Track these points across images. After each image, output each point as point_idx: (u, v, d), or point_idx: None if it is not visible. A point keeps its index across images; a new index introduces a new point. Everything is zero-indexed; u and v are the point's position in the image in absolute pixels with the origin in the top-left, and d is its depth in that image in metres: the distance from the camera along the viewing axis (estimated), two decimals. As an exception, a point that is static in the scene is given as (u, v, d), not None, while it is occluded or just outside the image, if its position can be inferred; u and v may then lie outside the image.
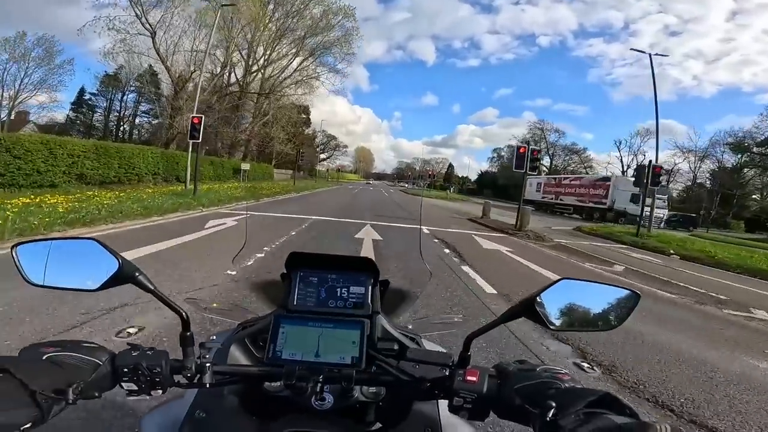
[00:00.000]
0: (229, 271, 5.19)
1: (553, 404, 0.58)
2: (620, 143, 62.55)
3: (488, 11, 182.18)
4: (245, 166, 31.73)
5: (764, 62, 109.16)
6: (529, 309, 0.71)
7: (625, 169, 61.11)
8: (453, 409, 0.71)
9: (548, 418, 0.57)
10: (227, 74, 32.62)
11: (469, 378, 0.70)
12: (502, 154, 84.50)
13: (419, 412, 0.81)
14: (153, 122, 42.62)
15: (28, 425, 0.53)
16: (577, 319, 0.74)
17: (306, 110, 65.11)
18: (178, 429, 0.77)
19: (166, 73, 28.23)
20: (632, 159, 61.28)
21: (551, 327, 0.71)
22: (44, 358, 0.62)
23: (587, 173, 66.47)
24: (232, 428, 0.79)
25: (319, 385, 0.73)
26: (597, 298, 0.75)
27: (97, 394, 0.64)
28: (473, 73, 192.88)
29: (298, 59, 38.03)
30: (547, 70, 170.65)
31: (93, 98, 51.80)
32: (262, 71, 36.69)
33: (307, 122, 70.47)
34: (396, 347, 0.84)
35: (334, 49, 38.97)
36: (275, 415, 0.80)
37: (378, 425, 0.88)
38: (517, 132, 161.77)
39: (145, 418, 0.84)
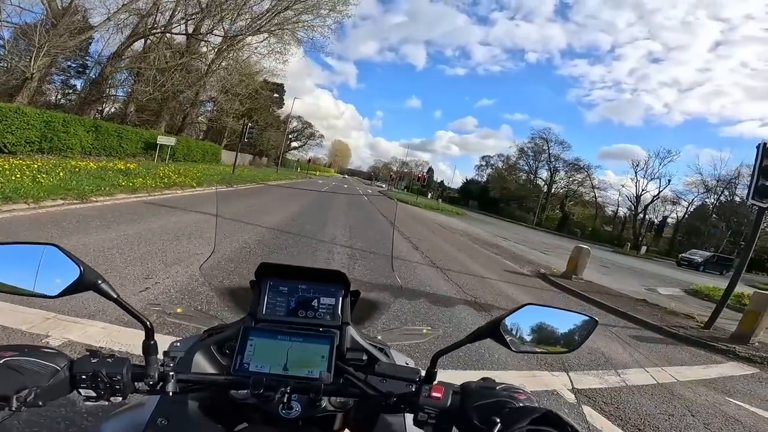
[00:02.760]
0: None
1: (498, 420, 0.60)
2: (637, 164, 54.81)
3: (484, 23, 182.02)
4: (166, 140, 21.18)
5: (735, 94, 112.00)
6: (494, 331, 0.73)
7: (641, 193, 53.69)
8: (418, 424, 0.72)
9: None
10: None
11: (434, 394, 0.71)
12: (492, 162, 76.52)
13: (386, 423, 0.80)
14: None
15: None
16: (538, 342, 0.76)
17: (279, 89, 54.92)
18: None
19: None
20: (647, 183, 53.65)
21: (513, 349, 0.74)
22: (1, 362, 0.60)
23: (597, 195, 59.34)
24: None
25: (287, 395, 0.72)
26: (558, 323, 0.77)
27: (41, 403, 0.61)
28: (459, 81, 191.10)
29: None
30: (529, 85, 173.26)
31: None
32: (222, 22, 25.50)
33: (280, 102, 59.76)
34: (365, 358, 0.87)
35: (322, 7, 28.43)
36: (241, 422, 0.78)
37: (339, 429, 0.87)
38: (492, 144, 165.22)
39: (104, 425, 0.80)
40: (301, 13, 27.98)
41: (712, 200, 48.98)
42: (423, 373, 0.77)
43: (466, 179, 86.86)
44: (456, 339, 0.73)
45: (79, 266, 0.67)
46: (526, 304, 0.75)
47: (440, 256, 9.70)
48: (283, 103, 59.36)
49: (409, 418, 0.77)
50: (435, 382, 0.75)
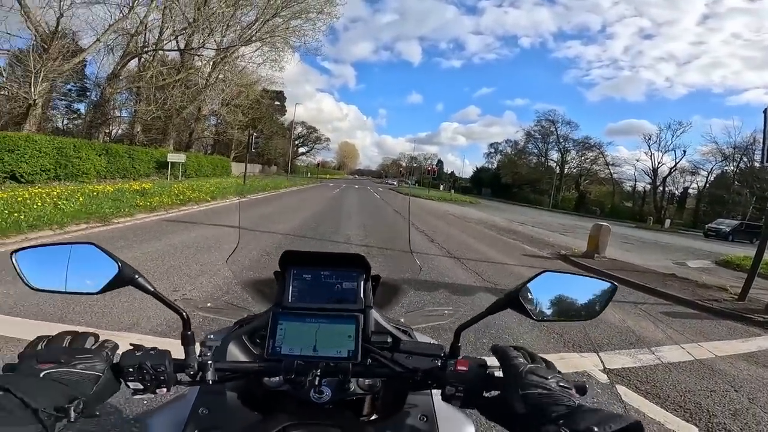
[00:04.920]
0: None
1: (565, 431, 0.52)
2: (650, 138, 53.17)
3: (473, 12, 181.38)
4: (176, 157, 21.57)
5: (733, 65, 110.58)
6: (513, 301, 0.73)
7: (657, 166, 52.30)
8: (446, 398, 0.72)
9: None
10: (140, 27, 21.72)
11: (459, 368, 0.72)
12: (500, 149, 75.65)
13: (414, 401, 0.82)
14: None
15: None
16: (558, 310, 0.75)
17: (280, 96, 55.30)
18: (184, 426, 0.76)
19: (26, 21, 17.03)
20: (662, 156, 52.23)
21: (534, 317, 0.73)
22: (42, 375, 0.60)
23: (612, 172, 58.04)
24: (234, 423, 0.77)
25: (317, 378, 0.73)
26: (577, 289, 0.76)
27: (97, 413, 0.63)
28: (457, 72, 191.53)
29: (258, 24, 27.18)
30: (527, 70, 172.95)
31: None
32: (213, 34, 25.47)
33: (282, 110, 60.11)
34: (389, 340, 0.87)
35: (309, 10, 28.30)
36: (275, 408, 0.81)
37: (375, 416, 0.89)
38: (498, 131, 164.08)
39: (151, 418, 0.82)
40: (290, 19, 28.14)
41: (732, 168, 47.40)
42: (447, 348, 0.78)
43: (477, 168, 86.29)
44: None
45: (116, 262, 0.70)
46: (543, 271, 0.74)
47: (456, 246, 9.61)
48: (285, 110, 59.87)
49: (436, 395, 0.79)
50: (460, 357, 0.76)
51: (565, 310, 0.76)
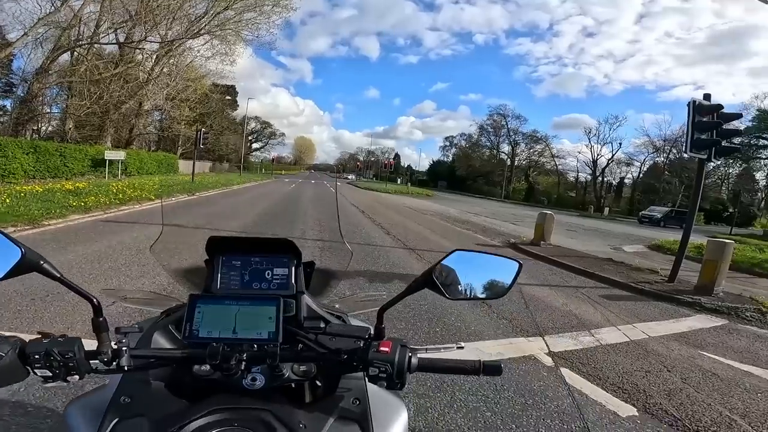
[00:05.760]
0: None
1: None
2: (590, 131, 56.81)
3: (431, 9, 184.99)
4: (114, 154, 20.14)
5: (665, 62, 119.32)
6: (428, 281, 0.75)
7: (596, 158, 55.78)
8: (371, 379, 0.73)
9: None
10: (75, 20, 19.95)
11: (382, 349, 0.72)
12: (455, 142, 77.43)
13: (348, 385, 0.82)
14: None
15: None
16: (470, 289, 0.77)
17: (231, 91, 53.03)
18: (103, 414, 0.74)
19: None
20: (601, 148, 55.88)
21: (448, 296, 0.76)
22: None
23: (557, 164, 61.16)
24: (159, 411, 0.73)
25: (244, 363, 0.72)
26: (487, 268, 0.78)
27: None
28: (414, 68, 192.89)
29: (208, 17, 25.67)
30: (481, 66, 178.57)
31: None
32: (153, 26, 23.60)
33: (233, 105, 57.72)
34: (322, 325, 0.86)
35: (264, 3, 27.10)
36: (205, 396, 0.76)
37: (310, 400, 0.89)
38: (453, 125, 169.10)
39: (70, 406, 0.80)
40: (243, 12, 26.89)
41: (662, 159, 51.63)
42: (372, 330, 0.79)
43: (433, 161, 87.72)
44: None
45: (20, 248, 0.68)
46: (454, 250, 0.77)
47: (412, 237, 9.74)
48: (237, 105, 57.47)
49: None
50: (384, 338, 0.77)
51: (476, 289, 0.78)
